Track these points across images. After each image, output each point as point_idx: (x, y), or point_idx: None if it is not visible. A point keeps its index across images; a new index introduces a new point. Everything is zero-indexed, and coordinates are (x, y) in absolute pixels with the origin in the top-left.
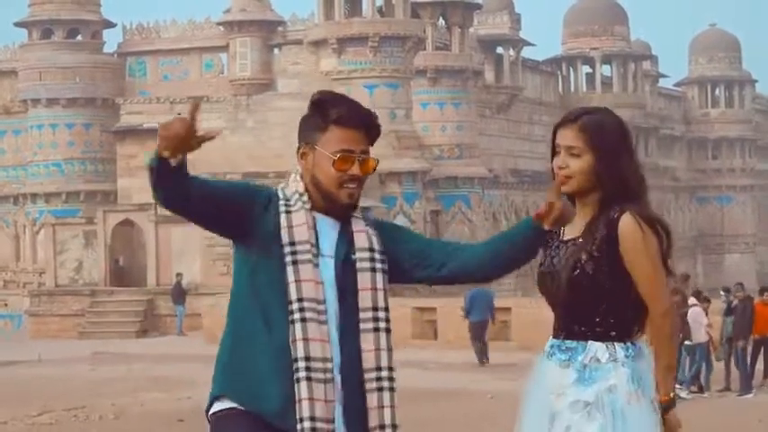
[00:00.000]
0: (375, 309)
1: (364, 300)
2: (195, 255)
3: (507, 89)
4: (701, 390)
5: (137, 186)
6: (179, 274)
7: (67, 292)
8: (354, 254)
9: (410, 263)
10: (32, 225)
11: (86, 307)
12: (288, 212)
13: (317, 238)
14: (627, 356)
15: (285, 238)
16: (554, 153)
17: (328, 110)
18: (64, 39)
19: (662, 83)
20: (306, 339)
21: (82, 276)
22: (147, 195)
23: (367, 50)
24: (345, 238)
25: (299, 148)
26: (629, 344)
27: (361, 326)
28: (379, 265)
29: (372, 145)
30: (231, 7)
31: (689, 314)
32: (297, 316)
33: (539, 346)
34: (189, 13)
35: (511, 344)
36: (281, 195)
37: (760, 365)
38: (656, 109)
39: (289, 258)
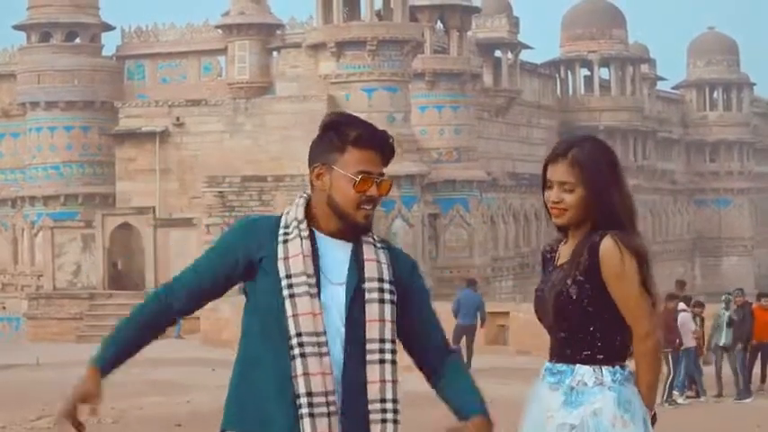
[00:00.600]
0: (382, 340)
1: (371, 331)
2: (193, 258)
3: (505, 92)
4: (697, 395)
5: (135, 190)
6: None
7: (66, 295)
8: (364, 282)
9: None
10: (31, 228)
11: (85, 310)
12: (285, 242)
13: (317, 266)
14: (614, 381)
15: (282, 270)
16: (545, 186)
17: (346, 131)
18: (62, 42)
19: (660, 86)
20: (306, 374)
21: (80, 280)
22: (145, 199)
23: (365, 54)
24: (356, 265)
25: (312, 169)
26: (617, 367)
27: (368, 357)
28: (387, 296)
29: (387, 166)
30: (230, 10)
31: (678, 319)
32: (296, 351)
33: (536, 351)
34: (187, 16)
35: (508, 348)
36: (282, 222)
37: (756, 370)
38: (654, 112)
39: (286, 292)
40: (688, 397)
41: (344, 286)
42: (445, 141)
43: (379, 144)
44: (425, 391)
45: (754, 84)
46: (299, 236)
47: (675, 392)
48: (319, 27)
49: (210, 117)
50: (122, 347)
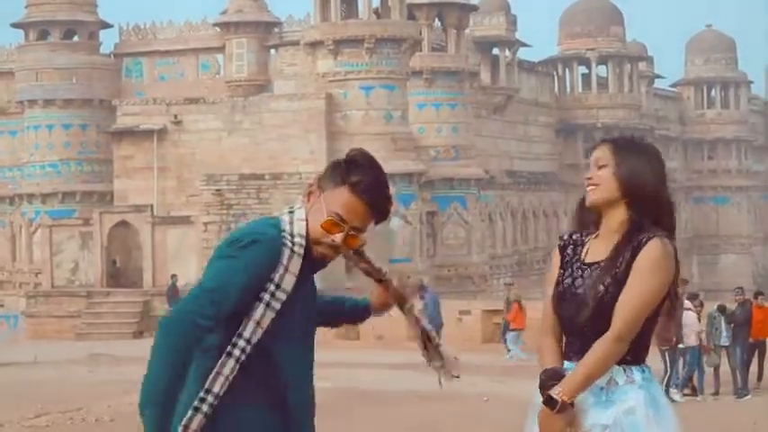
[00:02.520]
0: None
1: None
2: (191, 256)
3: (503, 90)
4: (694, 392)
5: (133, 188)
6: (174, 276)
7: (64, 293)
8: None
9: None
10: (29, 225)
11: (83, 308)
12: (292, 252)
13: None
14: (644, 379)
15: (276, 276)
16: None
17: (352, 171)
18: (60, 40)
19: (658, 84)
20: (219, 374)
21: (78, 277)
22: (143, 197)
23: (363, 52)
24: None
25: (309, 185)
26: (644, 366)
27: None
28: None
29: (376, 224)
30: (228, 8)
31: (683, 317)
32: (236, 353)
33: (533, 348)
34: (185, 14)
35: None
36: (286, 229)
37: (753, 368)
38: (651, 110)
39: (267, 298)
40: (685, 395)
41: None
42: (443, 139)
43: (376, 202)
44: (416, 389)
45: (752, 82)
46: (299, 254)
47: (673, 390)
48: (317, 25)
49: (208, 115)
50: None
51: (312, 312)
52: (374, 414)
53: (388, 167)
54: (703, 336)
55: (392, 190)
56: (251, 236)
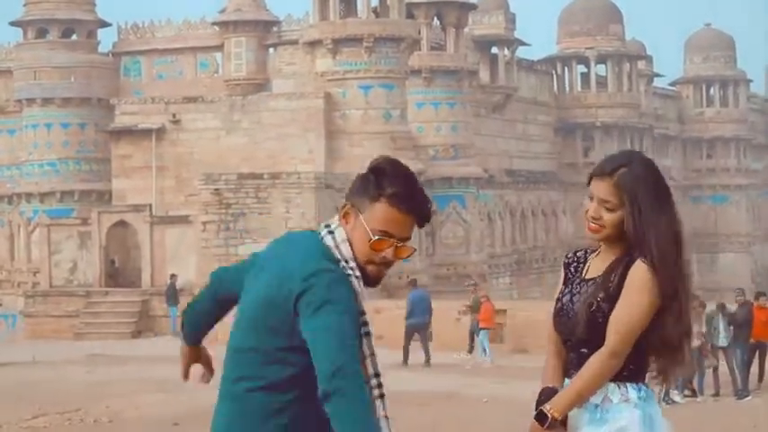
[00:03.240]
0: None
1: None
2: (190, 256)
3: (502, 89)
4: (694, 394)
5: (131, 187)
6: (173, 275)
7: (62, 292)
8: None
9: None
10: (27, 225)
11: (81, 308)
12: (357, 278)
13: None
14: (639, 398)
15: (360, 306)
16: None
17: (384, 183)
18: (59, 38)
19: (657, 82)
20: (386, 417)
21: (76, 277)
22: (141, 196)
23: (362, 51)
24: None
25: (344, 206)
26: (640, 385)
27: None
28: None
29: (421, 227)
30: (226, 7)
31: None
32: (376, 392)
33: (533, 349)
34: (184, 12)
35: (505, 346)
36: (338, 256)
37: (753, 369)
38: (650, 108)
39: (365, 328)
40: (686, 396)
41: None
42: (442, 138)
43: (415, 209)
44: (416, 390)
45: (751, 80)
46: (357, 277)
47: (674, 391)
48: (316, 24)
49: (207, 114)
50: None
51: None
52: None
53: None
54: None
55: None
56: (329, 276)
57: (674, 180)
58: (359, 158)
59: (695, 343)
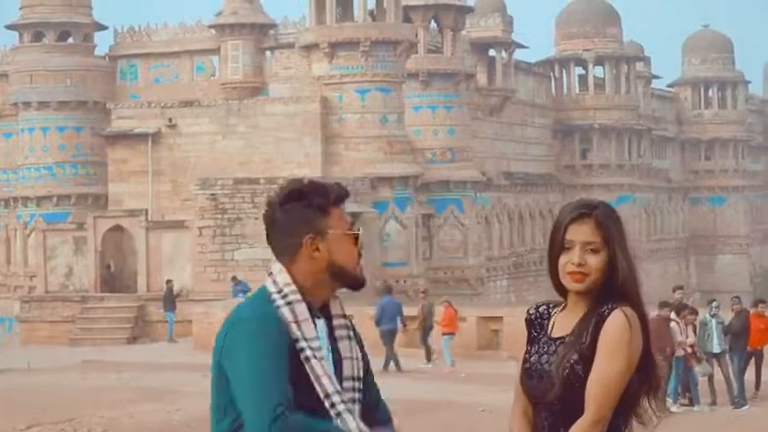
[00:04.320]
0: (355, 378)
1: (346, 369)
2: (186, 261)
3: (500, 92)
4: (691, 403)
5: (127, 191)
6: (169, 281)
7: (58, 298)
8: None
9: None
10: (23, 228)
11: (77, 313)
12: (289, 304)
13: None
14: None
15: (297, 333)
16: (558, 248)
17: (320, 194)
18: (55, 41)
19: (655, 84)
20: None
21: (72, 282)
22: (137, 201)
23: (358, 55)
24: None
25: (305, 243)
26: None
27: (346, 396)
28: (352, 333)
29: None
30: (223, 10)
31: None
32: (341, 408)
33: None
34: (180, 15)
35: (501, 353)
36: (272, 289)
37: (749, 377)
38: (649, 110)
39: (309, 353)
40: (682, 405)
41: (330, 356)
42: (439, 141)
43: (346, 197)
44: (413, 398)
45: (749, 81)
46: (300, 300)
47: (669, 400)
48: (312, 27)
49: (203, 118)
50: None
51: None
52: None
53: (384, 170)
54: (687, 345)
55: (387, 193)
56: (237, 329)
57: (673, 182)
58: (356, 162)
59: (680, 353)
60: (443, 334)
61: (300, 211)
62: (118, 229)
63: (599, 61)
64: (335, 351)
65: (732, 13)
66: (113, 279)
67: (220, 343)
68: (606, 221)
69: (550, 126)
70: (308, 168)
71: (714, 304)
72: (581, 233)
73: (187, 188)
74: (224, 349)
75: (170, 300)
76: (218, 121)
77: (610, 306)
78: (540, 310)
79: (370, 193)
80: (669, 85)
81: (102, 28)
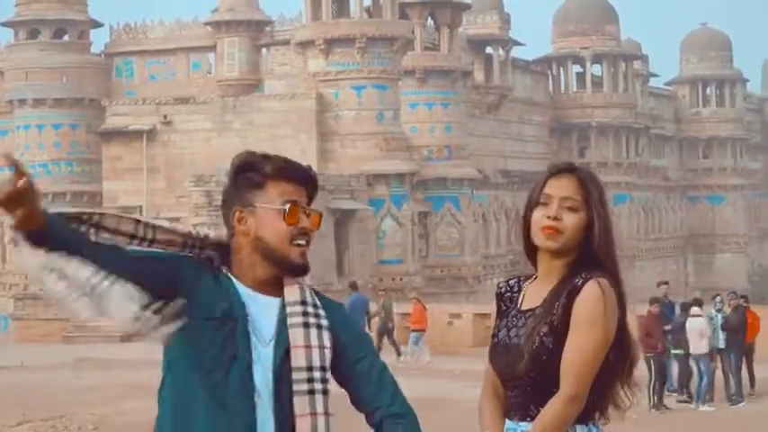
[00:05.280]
0: (309, 368)
1: (297, 358)
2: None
3: (497, 89)
4: (690, 399)
5: (122, 188)
6: None
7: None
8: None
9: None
10: None
11: None
12: (216, 278)
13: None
14: None
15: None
16: (535, 204)
17: (262, 166)
18: (50, 39)
19: (653, 82)
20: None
21: None
22: (132, 198)
23: (354, 51)
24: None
25: (232, 215)
26: (590, 426)
27: (295, 387)
28: (312, 320)
29: (311, 202)
30: (219, 7)
31: (690, 325)
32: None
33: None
34: (176, 12)
35: None
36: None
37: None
38: (646, 108)
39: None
40: (678, 402)
41: (272, 345)
42: (436, 139)
43: (301, 176)
44: (407, 396)
45: (748, 80)
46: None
47: (667, 395)
48: (308, 24)
49: (198, 115)
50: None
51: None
52: (358, 422)
53: (380, 167)
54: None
55: (384, 190)
56: None
57: (671, 180)
58: (351, 159)
59: (705, 349)
60: (413, 330)
61: (239, 182)
62: None
63: (597, 59)
64: (284, 339)
65: (730, 11)
66: None
67: None
68: (588, 182)
69: (548, 124)
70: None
71: (718, 299)
72: (560, 188)
73: (182, 185)
74: None
75: None
76: (214, 118)
77: (584, 276)
78: (511, 283)
79: (366, 190)
80: (667, 84)
81: (98, 25)
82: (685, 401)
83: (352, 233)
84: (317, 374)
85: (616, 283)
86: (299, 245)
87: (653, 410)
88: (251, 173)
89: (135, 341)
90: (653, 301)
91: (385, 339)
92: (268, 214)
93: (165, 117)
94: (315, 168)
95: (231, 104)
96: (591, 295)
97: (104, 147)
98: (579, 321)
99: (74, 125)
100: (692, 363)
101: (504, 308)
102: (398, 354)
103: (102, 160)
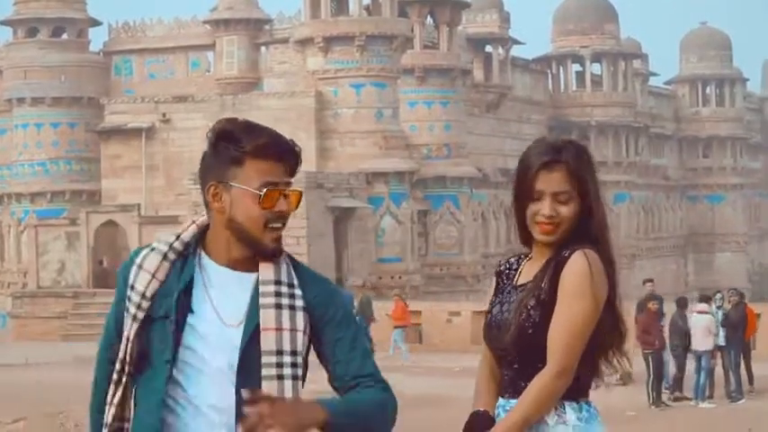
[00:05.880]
0: (279, 352)
1: (266, 341)
2: None
3: (496, 88)
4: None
5: (121, 187)
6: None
7: (50, 293)
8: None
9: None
10: (17, 225)
11: (69, 309)
12: (152, 250)
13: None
14: (579, 419)
15: (131, 278)
16: (527, 197)
17: (241, 140)
18: (49, 37)
19: (652, 81)
20: (110, 404)
21: (64, 278)
22: (131, 196)
23: (354, 49)
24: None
25: (207, 189)
26: (581, 403)
27: (263, 372)
28: (285, 301)
29: (293, 177)
30: (218, 5)
31: (696, 321)
32: (114, 377)
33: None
34: (175, 11)
35: None
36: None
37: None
38: (646, 108)
39: (126, 304)
40: (677, 399)
41: (241, 327)
42: (435, 137)
43: (283, 153)
44: (408, 392)
45: (747, 79)
46: (164, 255)
47: (665, 393)
48: (307, 22)
49: (197, 113)
50: None
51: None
52: None
53: (379, 165)
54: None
55: (383, 188)
56: None
57: (671, 180)
58: (351, 158)
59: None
60: (395, 327)
61: (218, 154)
62: (111, 224)
63: (596, 58)
64: (254, 320)
65: (730, 11)
66: (106, 275)
67: None
68: (579, 169)
69: (547, 123)
70: (303, 164)
71: (718, 296)
72: (551, 182)
73: (181, 183)
74: None
75: None
76: (212, 116)
77: (570, 248)
78: (511, 260)
79: (366, 188)
80: (667, 83)
81: (97, 23)
82: (683, 398)
83: (352, 231)
84: (286, 359)
85: (609, 261)
86: (273, 228)
87: (652, 407)
88: (230, 145)
89: None
90: (651, 298)
91: None
92: (244, 195)
93: (164, 115)
94: (314, 167)
95: (230, 102)
96: (577, 267)
97: (103, 145)
98: (566, 293)
99: (72, 124)
100: (689, 358)
101: (501, 284)
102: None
103: (101, 159)
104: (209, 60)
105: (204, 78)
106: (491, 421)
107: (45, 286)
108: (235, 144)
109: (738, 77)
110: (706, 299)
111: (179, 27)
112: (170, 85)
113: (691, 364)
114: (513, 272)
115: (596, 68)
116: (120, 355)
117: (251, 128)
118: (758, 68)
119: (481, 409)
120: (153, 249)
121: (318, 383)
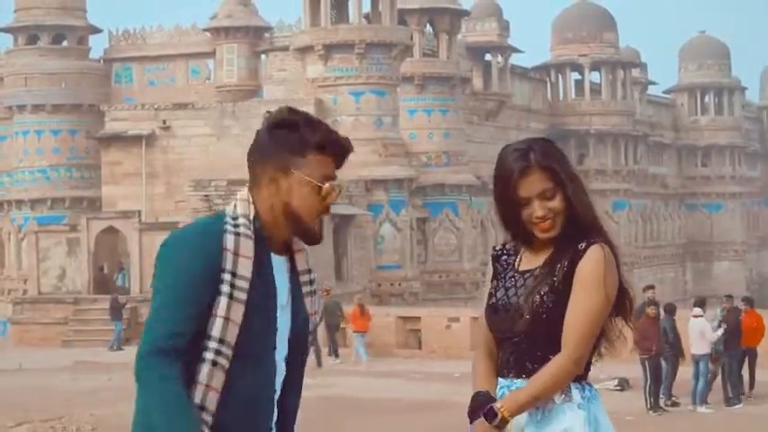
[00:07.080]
0: (310, 334)
1: (311, 324)
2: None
3: (495, 96)
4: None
5: (121, 193)
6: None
7: (50, 300)
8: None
9: None
10: (18, 232)
11: (69, 315)
12: (237, 234)
13: (273, 282)
14: (583, 398)
15: (228, 264)
16: (516, 204)
17: (306, 133)
18: (50, 44)
19: (651, 90)
20: (208, 386)
21: (65, 284)
22: (131, 203)
23: (353, 57)
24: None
25: (259, 172)
26: (584, 384)
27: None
28: (314, 288)
29: (339, 167)
30: (218, 13)
31: (690, 326)
32: (210, 356)
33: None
34: (175, 19)
35: None
36: (228, 212)
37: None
38: (645, 116)
39: (226, 289)
40: (674, 404)
41: (289, 309)
42: (434, 145)
43: (343, 150)
44: (407, 398)
45: (746, 88)
46: (250, 237)
47: (662, 398)
48: (307, 30)
49: (197, 120)
50: None
51: (299, 322)
52: (362, 424)
53: (378, 173)
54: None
55: (383, 196)
56: (165, 243)
57: (669, 188)
58: (350, 165)
59: (707, 350)
60: (354, 332)
61: (279, 140)
62: (111, 230)
63: (595, 67)
64: (301, 305)
65: (729, 20)
66: (106, 281)
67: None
68: (549, 164)
69: (546, 131)
70: None
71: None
72: (532, 186)
73: (181, 190)
74: (156, 262)
75: (117, 309)
76: (213, 124)
77: (588, 241)
78: (507, 246)
79: (365, 195)
80: (665, 92)
81: (97, 31)
82: (676, 405)
83: (351, 238)
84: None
85: (611, 245)
86: (320, 219)
87: (650, 412)
88: (293, 135)
89: (133, 345)
90: (650, 302)
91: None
92: (305, 186)
93: (164, 122)
94: None
95: (230, 110)
96: (595, 258)
97: (103, 152)
98: (584, 283)
99: (73, 131)
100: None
101: (501, 269)
102: (336, 355)
103: (101, 165)
104: (210, 68)
105: (204, 86)
106: (493, 401)
107: (46, 292)
108: (298, 135)
109: (737, 86)
110: (701, 303)
111: (179, 35)
112: (170, 93)
113: (689, 370)
114: (512, 258)
115: (595, 77)
116: (216, 333)
117: (313, 122)
118: (756, 77)
119: (484, 390)
120: (238, 234)
121: (329, 388)
